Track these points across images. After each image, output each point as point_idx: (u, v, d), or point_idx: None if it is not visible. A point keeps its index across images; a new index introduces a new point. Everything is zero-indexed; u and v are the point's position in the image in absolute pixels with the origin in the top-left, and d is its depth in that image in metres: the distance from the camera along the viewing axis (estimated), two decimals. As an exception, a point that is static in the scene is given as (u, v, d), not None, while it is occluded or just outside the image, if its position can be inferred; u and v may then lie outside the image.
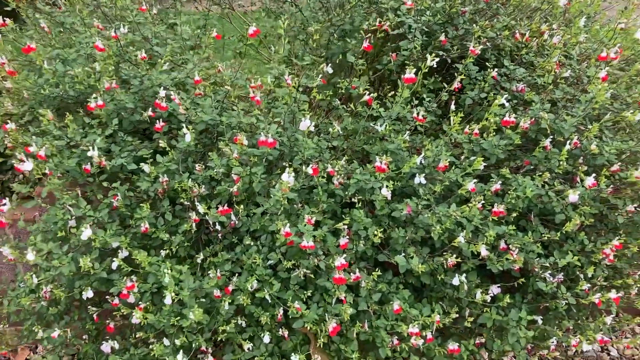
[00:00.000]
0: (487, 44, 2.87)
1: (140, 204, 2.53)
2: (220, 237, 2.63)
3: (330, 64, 2.98)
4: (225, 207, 2.49)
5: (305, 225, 2.25)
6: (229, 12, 3.78)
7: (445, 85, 2.69)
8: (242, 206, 2.49)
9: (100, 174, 2.63)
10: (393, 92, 2.63)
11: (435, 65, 2.48)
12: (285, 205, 2.29)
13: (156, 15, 3.29)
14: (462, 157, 2.57)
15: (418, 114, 2.47)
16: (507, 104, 2.42)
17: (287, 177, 2.19)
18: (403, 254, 2.38)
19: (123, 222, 2.69)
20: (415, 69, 2.45)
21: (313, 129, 2.41)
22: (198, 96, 2.79)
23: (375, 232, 2.28)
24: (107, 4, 3.04)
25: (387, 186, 2.30)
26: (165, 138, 2.69)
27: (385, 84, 3.03)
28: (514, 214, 2.41)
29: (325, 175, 2.39)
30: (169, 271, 2.28)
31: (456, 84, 2.56)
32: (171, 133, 2.85)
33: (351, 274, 2.30)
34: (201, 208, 2.42)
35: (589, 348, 2.57)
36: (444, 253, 2.40)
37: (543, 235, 2.44)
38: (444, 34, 2.73)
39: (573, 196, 2.32)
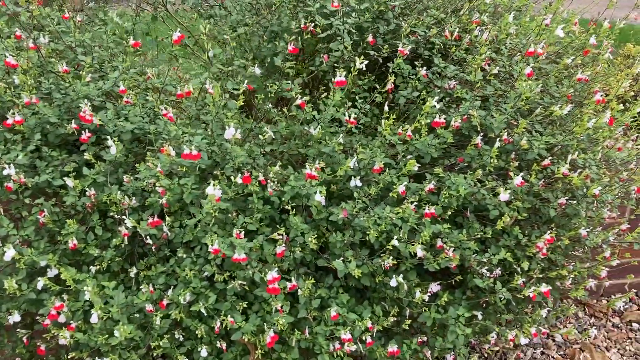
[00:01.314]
0: (419, 38, 2.86)
1: (67, 219, 2.43)
2: (154, 250, 2.55)
3: (262, 67, 2.93)
4: (156, 219, 2.42)
5: (237, 238, 2.20)
6: (162, 13, 3.67)
7: (378, 87, 2.66)
8: (172, 217, 2.42)
9: (25, 190, 2.51)
10: (326, 94, 2.60)
11: (365, 67, 2.45)
12: (217, 216, 2.23)
13: (81, 22, 3.16)
14: (399, 157, 2.56)
15: (350, 116, 2.44)
16: (437, 105, 2.41)
17: (213, 190, 2.13)
18: (342, 258, 2.36)
19: (53, 238, 2.59)
20: (346, 71, 2.42)
21: (239, 136, 2.35)
22: (127, 104, 2.69)
23: (312, 239, 2.25)
24: (25, 13, 2.89)
25: (320, 192, 2.26)
26: (95, 149, 2.59)
27: (320, 85, 2.99)
28: (449, 212, 2.42)
29: (258, 183, 2.34)
30: (90, 288, 2.19)
31: (389, 85, 2.55)
32: (102, 144, 2.75)
33: (287, 282, 2.26)
34: (129, 222, 2.34)
35: (526, 341, 2.61)
36: (382, 255, 2.38)
37: (478, 232, 2.45)
38: (371, 34, 2.71)
39: (504, 195, 2.34)
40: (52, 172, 2.52)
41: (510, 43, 2.93)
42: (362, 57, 2.45)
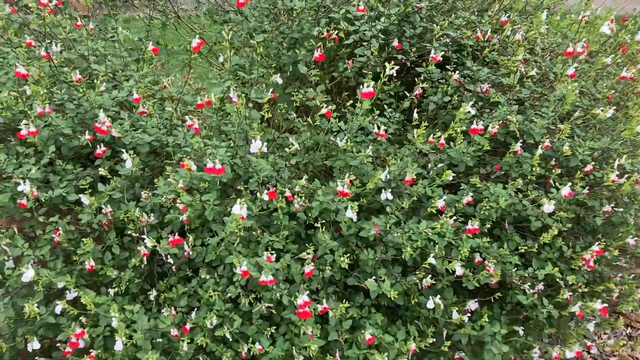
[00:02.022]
0: (448, 40, 2.71)
1: (83, 238, 2.30)
2: (174, 270, 2.41)
3: (283, 75, 2.79)
4: (177, 237, 2.28)
5: (266, 261, 2.06)
6: (173, 19, 3.55)
7: (407, 93, 2.52)
8: (194, 235, 2.29)
9: (40, 207, 2.39)
10: (352, 102, 2.45)
11: (394, 73, 2.30)
12: (241, 235, 2.09)
13: (93, 30, 3.04)
14: (430, 166, 2.41)
15: (379, 127, 2.29)
16: (472, 111, 2.26)
17: (239, 210, 2.00)
18: (374, 277, 2.21)
19: (68, 257, 2.46)
20: (373, 80, 2.28)
21: (266, 149, 2.21)
22: (143, 115, 2.56)
23: (342, 258, 2.10)
24: (36, 21, 2.78)
25: (351, 207, 2.12)
26: (110, 163, 2.47)
27: (343, 92, 2.85)
28: (488, 225, 2.26)
29: (285, 199, 2.20)
30: (116, 314, 2.06)
31: (417, 91, 2.40)
32: (117, 157, 2.62)
33: (318, 304, 2.12)
34: (149, 241, 2.21)
35: (572, 355, 2.45)
36: (417, 272, 2.23)
37: (520, 245, 2.29)
38: (397, 38, 2.56)
39: (548, 207, 2.18)
40: (67, 187, 2.40)
41: (542, 43, 2.77)
42: (390, 62, 2.30)
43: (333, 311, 2.14)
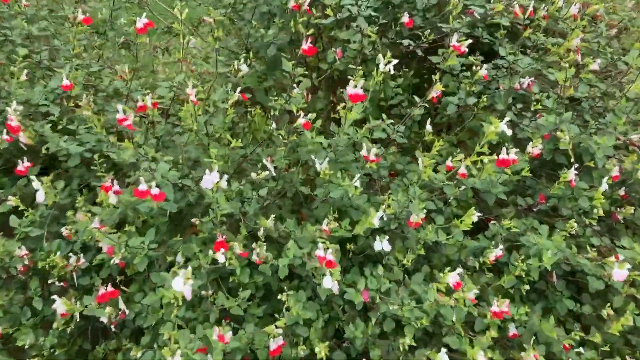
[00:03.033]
0: (476, 15, 2.00)
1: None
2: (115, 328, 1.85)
3: (259, 61, 2.16)
4: (109, 289, 1.72)
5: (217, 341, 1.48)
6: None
7: (417, 98, 1.83)
8: (135, 286, 1.73)
9: None
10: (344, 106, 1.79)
11: (398, 61, 1.63)
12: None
13: (27, 6, 2.42)
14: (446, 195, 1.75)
15: (369, 151, 1.64)
16: (508, 130, 1.57)
17: (178, 285, 1.40)
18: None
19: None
20: (366, 76, 1.62)
21: (226, 183, 1.60)
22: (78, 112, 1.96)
23: (320, 348, 1.50)
24: None
25: (331, 274, 1.49)
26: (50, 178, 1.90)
27: (339, 87, 2.19)
28: (526, 287, 1.61)
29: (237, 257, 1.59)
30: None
31: (434, 93, 1.70)
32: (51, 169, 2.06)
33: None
34: (61, 304, 1.65)
35: None
36: (427, 348, 1.61)
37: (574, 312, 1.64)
38: (407, 13, 1.87)
39: (619, 272, 1.50)
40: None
41: (607, 16, 2.03)
42: (388, 52, 1.61)
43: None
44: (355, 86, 1.56)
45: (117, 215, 1.69)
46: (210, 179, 1.60)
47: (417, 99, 1.70)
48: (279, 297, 1.59)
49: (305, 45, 1.77)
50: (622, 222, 1.76)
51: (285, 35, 1.95)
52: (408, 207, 1.61)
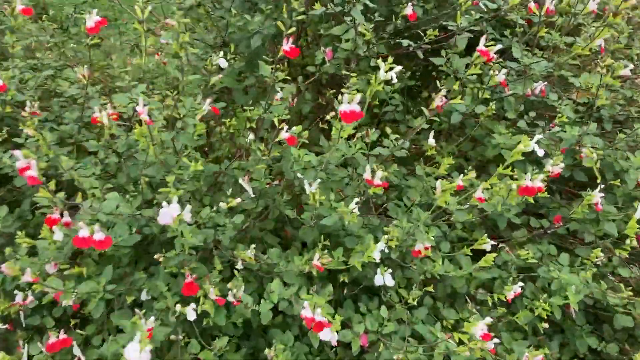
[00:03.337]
0: (485, 10, 1.76)
1: None
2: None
3: (239, 56, 1.90)
4: (61, 336, 1.47)
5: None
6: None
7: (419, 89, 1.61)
8: (93, 328, 1.48)
9: None
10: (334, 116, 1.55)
11: (394, 78, 1.40)
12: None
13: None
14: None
15: (374, 174, 1.41)
16: (540, 150, 1.35)
17: (132, 354, 1.14)
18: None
19: None
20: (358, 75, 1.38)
21: (189, 218, 1.34)
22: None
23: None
24: None
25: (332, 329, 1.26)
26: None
27: (328, 90, 1.95)
28: (544, 325, 1.41)
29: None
30: None
31: (438, 102, 1.47)
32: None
33: None
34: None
35: None
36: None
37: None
38: (410, 4, 1.62)
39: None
40: None
41: (630, 12, 1.82)
42: (389, 57, 1.38)
43: None
44: (350, 102, 1.32)
45: (68, 248, 1.44)
46: (169, 213, 1.31)
47: (425, 111, 1.47)
48: (266, 352, 1.36)
49: (287, 45, 1.51)
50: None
51: (271, 24, 1.69)
52: (413, 234, 1.39)
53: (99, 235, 1.29)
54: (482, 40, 1.42)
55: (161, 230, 1.51)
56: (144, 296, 1.45)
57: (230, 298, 1.38)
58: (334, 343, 1.27)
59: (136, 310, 1.35)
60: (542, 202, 1.68)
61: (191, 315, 1.33)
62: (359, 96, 1.30)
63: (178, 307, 1.32)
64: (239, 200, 1.48)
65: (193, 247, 1.42)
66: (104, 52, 2.68)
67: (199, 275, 1.45)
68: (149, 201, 1.50)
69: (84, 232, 1.28)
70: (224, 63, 1.70)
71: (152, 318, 1.27)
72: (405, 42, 1.67)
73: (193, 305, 1.33)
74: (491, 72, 1.52)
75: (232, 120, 1.79)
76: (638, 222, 1.35)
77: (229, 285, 1.38)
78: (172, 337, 1.45)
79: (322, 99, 2.00)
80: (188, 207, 1.33)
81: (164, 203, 1.30)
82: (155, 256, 1.39)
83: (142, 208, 1.45)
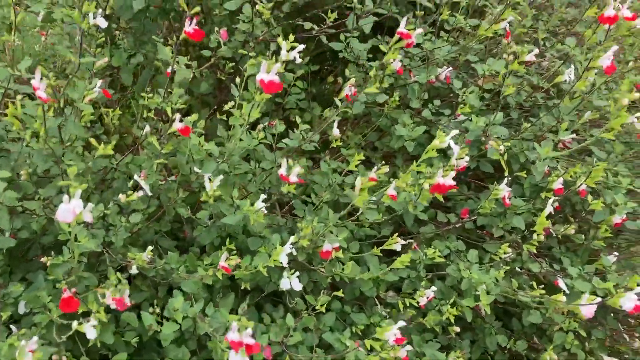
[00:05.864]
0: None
1: None
2: None
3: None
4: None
5: None
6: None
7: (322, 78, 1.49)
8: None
9: None
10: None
11: (297, 58, 1.27)
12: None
13: None
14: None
15: (289, 171, 1.27)
16: (455, 147, 1.25)
17: None
18: None
19: None
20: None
21: (91, 217, 1.14)
22: None
23: None
24: None
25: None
26: None
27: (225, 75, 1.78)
28: (456, 329, 1.36)
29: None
30: None
31: (348, 91, 1.34)
32: None
33: None
34: None
35: None
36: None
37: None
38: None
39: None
40: None
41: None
42: (290, 35, 1.24)
43: None
44: (269, 71, 1.17)
45: None
46: (70, 209, 1.11)
47: (337, 101, 1.35)
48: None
49: (189, 26, 1.32)
50: (554, 235, 1.55)
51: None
52: (323, 234, 1.28)
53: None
54: (403, 21, 1.31)
55: (43, 227, 1.32)
56: (21, 309, 1.25)
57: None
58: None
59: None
60: (449, 195, 1.62)
61: (91, 334, 1.15)
62: (278, 65, 1.16)
63: (74, 324, 1.14)
64: (140, 193, 1.31)
65: (83, 254, 1.23)
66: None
67: (90, 286, 1.27)
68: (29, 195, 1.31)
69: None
70: (103, 23, 1.46)
71: (35, 338, 1.08)
72: (307, 25, 1.54)
73: (93, 321, 1.15)
74: (386, 57, 1.41)
75: (117, 110, 1.60)
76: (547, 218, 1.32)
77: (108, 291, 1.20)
78: (54, 357, 1.26)
79: (220, 94, 1.83)
80: (90, 205, 1.13)
81: (65, 197, 1.08)
82: (43, 259, 1.20)
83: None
